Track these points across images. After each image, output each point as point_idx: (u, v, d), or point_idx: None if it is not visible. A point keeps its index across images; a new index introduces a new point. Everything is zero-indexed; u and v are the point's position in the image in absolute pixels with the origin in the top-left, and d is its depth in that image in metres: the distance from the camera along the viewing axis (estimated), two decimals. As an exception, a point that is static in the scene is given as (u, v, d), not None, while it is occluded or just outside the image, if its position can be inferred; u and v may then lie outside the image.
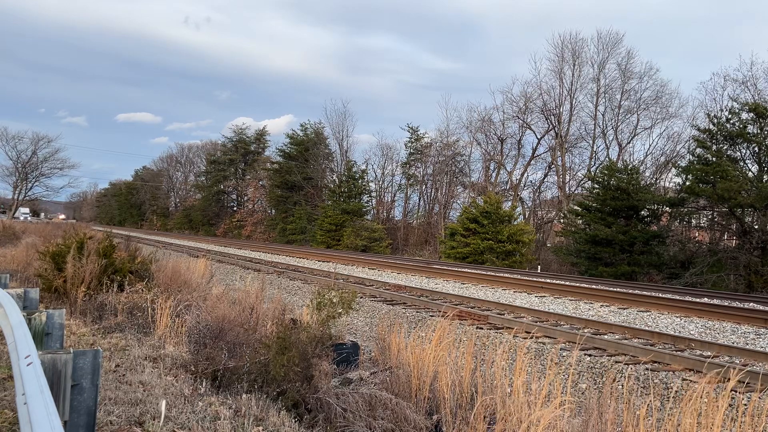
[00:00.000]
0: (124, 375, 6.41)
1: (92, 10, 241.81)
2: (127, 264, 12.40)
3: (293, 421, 5.42)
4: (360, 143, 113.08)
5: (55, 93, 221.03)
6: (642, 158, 37.85)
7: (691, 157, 27.18)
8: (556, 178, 41.60)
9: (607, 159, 37.31)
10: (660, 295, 16.46)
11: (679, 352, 9.15)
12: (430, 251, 40.88)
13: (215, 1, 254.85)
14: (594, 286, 18.53)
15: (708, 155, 25.02)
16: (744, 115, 24.59)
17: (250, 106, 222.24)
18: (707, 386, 4.63)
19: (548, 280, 20.34)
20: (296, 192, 54.09)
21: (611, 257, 27.12)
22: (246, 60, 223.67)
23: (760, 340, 10.78)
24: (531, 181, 44.59)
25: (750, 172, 24.55)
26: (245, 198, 70.34)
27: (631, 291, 17.58)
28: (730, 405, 6.57)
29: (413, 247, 43.96)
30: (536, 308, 13.61)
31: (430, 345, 6.37)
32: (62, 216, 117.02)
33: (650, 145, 42.84)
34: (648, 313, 13.68)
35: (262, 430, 5.05)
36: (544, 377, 5.22)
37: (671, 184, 34.62)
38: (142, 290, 10.95)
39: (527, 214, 43.16)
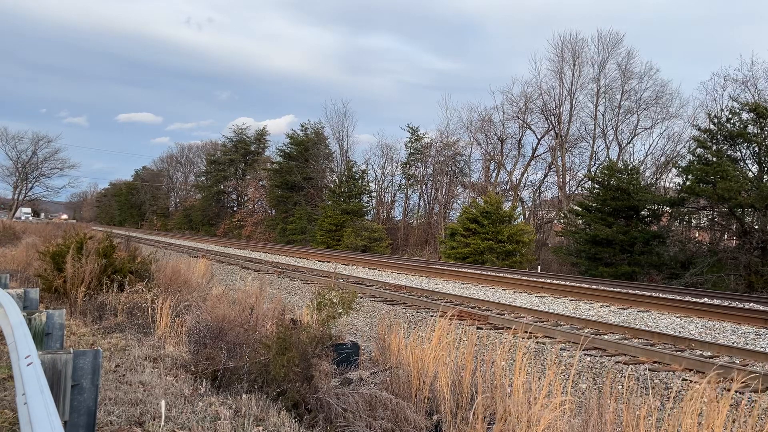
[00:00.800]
0: (124, 375, 6.41)
1: (92, 11, 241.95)
2: (127, 264, 12.40)
3: (293, 421, 5.42)
4: (360, 143, 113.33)
5: (56, 93, 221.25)
6: (642, 158, 37.90)
7: (691, 157, 27.18)
8: (556, 178, 41.62)
9: (607, 159, 37.32)
10: (660, 295, 16.46)
11: (679, 353, 9.15)
12: (430, 251, 40.88)
13: (216, 1, 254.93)
14: (594, 286, 18.53)
15: (708, 155, 25.02)
16: (744, 115, 24.60)
17: (250, 106, 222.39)
18: (708, 386, 4.63)
19: (548, 280, 20.34)
20: (296, 192, 54.10)
21: (611, 257, 27.12)
22: (246, 60, 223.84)
23: (760, 340, 10.78)
24: (531, 181, 44.65)
25: (750, 172, 24.55)
26: (245, 198, 70.34)
27: (631, 291, 17.58)
28: (730, 405, 6.57)
29: (413, 247, 43.96)
30: (536, 308, 13.61)
31: (430, 345, 6.37)
32: (65, 216, 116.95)
33: (650, 145, 42.94)
34: (648, 314, 13.68)
35: (262, 430, 5.05)
36: (544, 377, 5.22)
37: (671, 184, 34.66)
38: (142, 290, 10.95)
39: (527, 214, 43.16)
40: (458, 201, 47.24)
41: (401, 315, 12.79)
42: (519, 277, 21.42)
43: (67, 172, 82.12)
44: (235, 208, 71.50)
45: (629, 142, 39.07)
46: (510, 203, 40.21)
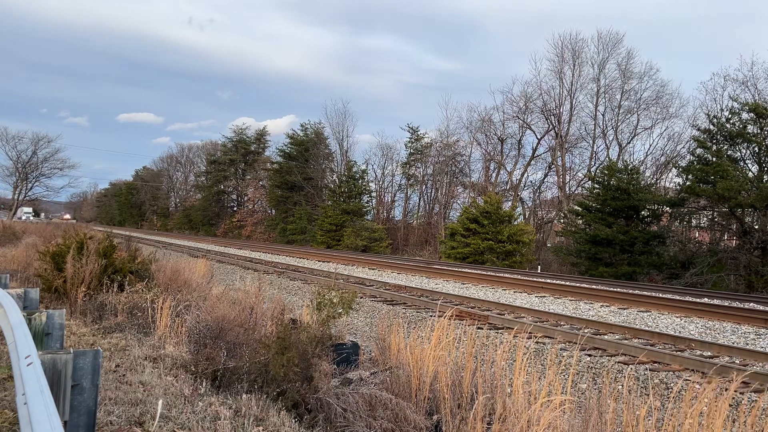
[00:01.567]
0: (124, 375, 6.41)
1: (93, 11, 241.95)
2: (127, 264, 12.40)
3: (293, 421, 5.42)
4: (360, 143, 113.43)
5: (57, 93, 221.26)
6: (642, 158, 37.93)
7: (691, 157, 27.19)
8: (556, 178, 41.63)
9: (607, 159, 37.32)
10: (660, 295, 16.46)
11: (679, 353, 9.15)
12: (430, 251, 40.88)
13: (216, 1, 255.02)
14: (594, 287, 18.53)
15: (708, 155, 25.02)
16: (744, 115, 24.61)
17: (251, 106, 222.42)
18: (708, 387, 4.63)
19: (548, 280, 20.34)
20: (296, 192, 54.10)
21: (611, 257, 27.12)
22: (247, 60, 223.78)
23: (760, 340, 10.78)
24: (531, 181, 44.67)
25: (750, 172, 24.55)
26: (245, 198, 70.35)
27: (631, 291, 17.58)
28: (730, 405, 6.57)
29: (413, 247, 43.97)
30: (536, 308, 13.61)
31: (430, 345, 6.37)
32: (67, 216, 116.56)
33: (650, 145, 42.91)
34: (648, 314, 13.68)
35: (262, 430, 5.05)
36: (544, 377, 5.22)
37: (671, 184, 34.66)
38: (142, 290, 10.95)
39: (527, 214, 43.17)
40: (458, 201, 47.29)
41: (401, 315, 12.79)
42: (519, 277, 21.41)
43: (67, 172, 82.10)
44: (235, 208, 71.50)
45: (629, 142, 39.13)
46: (510, 203, 40.23)
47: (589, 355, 9.20)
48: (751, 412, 4.47)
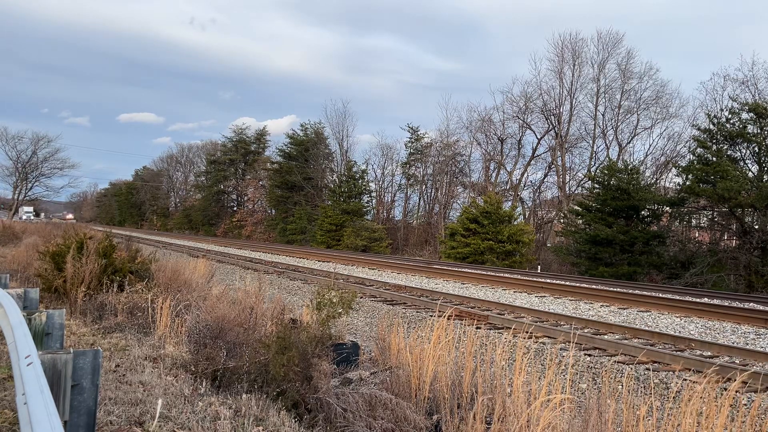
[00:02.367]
0: (124, 375, 6.41)
1: (93, 11, 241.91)
2: (127, 264, 12.40)
3: (293, 421, 5.42)
4: (360, 143, 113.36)
5: (58, 93, 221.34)
6: (642, 158, 37.92)
7: (691, 156, 27.18)
8: (556, 178, 41.63)
9: (607, 159, 37.32)
10: (660, 295, 16.46)
11: (679, 352, 9.15)
12: (430, 251, 40.88)
13: (217, 1, 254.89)
14: (594, 286, 18.53)
15: (708, 155, 25.02)
16: (744, 115, 24.61)
17: (252, 106, 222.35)
18: (707, 386, 4.63)
19: (548, 280, 20.34)
20: (296, 192, 54.09)
21: (611, 257, 27.12)
22: (248, 60, 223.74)
23: (760, 340, 10.78)
24: (531, 181, 44.66)
25: (750, 172, 24.56)
26: (245, 198, 70.34)
27: (631, 291, 17.58)
28: (730, 405, 6.57)
29: (413, 247, 43.97)
30: (536, 308, 13.61)
31: (430, 345, 6.37)
32: (70, 216, 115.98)
33: (650, 145, 42.90)
34: (648, 313, 13.68)
35: (262, 430, 5.05)
36: (544, 377, 5.22)
37: (671, 184, 34.65)
38: (142, 290, 10.95)
39: (527, 214, 43.17)
40: (458, 201, 47.29)
41: (401, 315, 12.78)
42: (519, 277, 21.42)
43: (67, 172, 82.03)
44: (235, 208, 71.49)
45: (629, 142, 39.14)
46: (510, 203, 40.23)
47: (589, 355, 9.21)
48: (750, 411, 4.47)
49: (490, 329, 11.16)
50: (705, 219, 29.63)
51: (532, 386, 5.28)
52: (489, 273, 22.77)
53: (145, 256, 14.41)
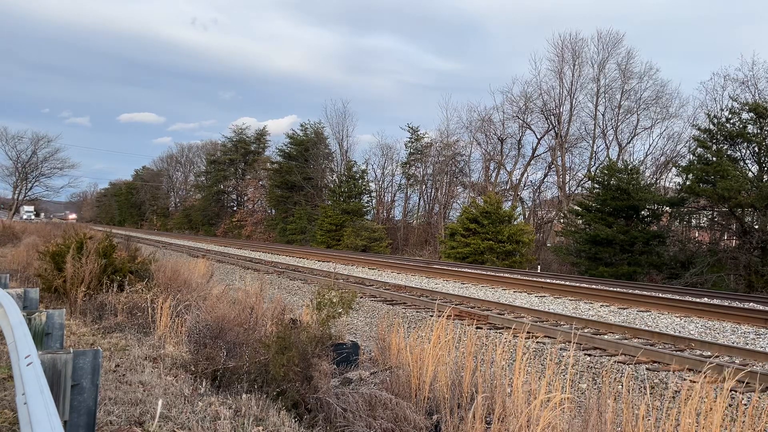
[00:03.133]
0: (124, 375, 6.41)
1: (95, 11, 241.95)
2: (127, 264, 12.40)
3: (293, 421, 5.42)
4: (360, 143, 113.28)
5: (59, 94, 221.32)
6: (642, 158, 37.92)
7: (691, 156, 27.17)
8: (556, 178, 41.63)
9: (607, 159, 37.31)
10: (660, 295, 16.46)
11: (679, 352, 9.15)
12: (430, 251, 40.88)
13: (218, 1, 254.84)
14: (594, 286, 18.53)
15: (708, 155, 25.01)
16: (744, 115, 24.60)
17: (253, 106, 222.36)
18: (707, 386, 4.63)
19: (548, 280, 20.34)
20: (296, 192, 54.09)
21: (611, 257, 27.12)
22: (249, 60, 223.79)
23: (760, 340, 10.78)
24: (531, 181, 44.65)
25: (750, 172, 24.55)
26: (245, 198, 70.32)
27: (631, 291, 17.58)
28: (729, 405, 6.57)
29: (413, 247, 43.96)
30: (536, 308, 13.61)
31: (429, 345, 6.37)
32: (73, 216, 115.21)
33: (650, 145, 42.90)
34: (648, 313, 13.68)
35: (262, 430, 5.05)
36: (544, 377, 5.22)
37: (671, 184, 34.66)
38: (142, 290, 10.94)
39: (527, 214, 43.16)
40: (458, 201, 47.28)
41: (401, 315, 12.79)
42: (519, 277, 21.42)
43: (67, 171, 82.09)
44: (234, 208, 71.47)
45: (629, 142, 39.13)
46: (510, 203, 40.22)
47: (589, 355, 9.21)
48: (747, 410, 4.48)
49: (490, 329, 11.16)
50: (705, 219, 29.63)
51: (532, 386, 5.28)
52: (489, 273, 22.77)
53: (145, 256, 14.41)
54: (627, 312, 13.88)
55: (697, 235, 30.03)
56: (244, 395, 5.77)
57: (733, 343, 10.42)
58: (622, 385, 7.57)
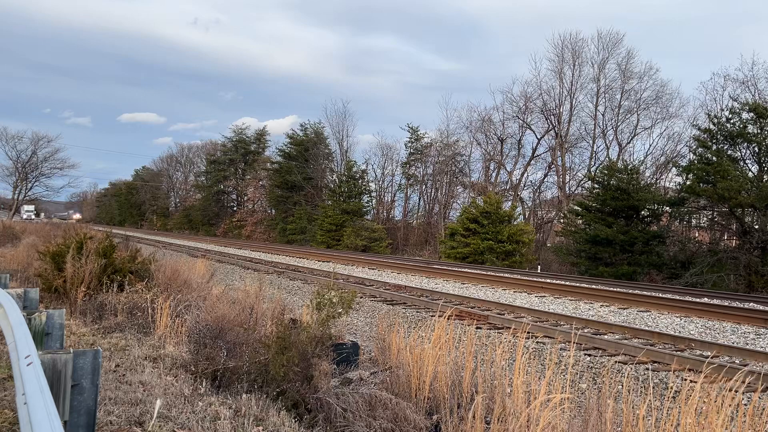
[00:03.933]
0: (124, 375, 6.41)
1: (95, 11, 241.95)
2: (127, 264, 12.39)
3: (293, 421, 5.42)
4: (360, 143, 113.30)
5: (60, 94, 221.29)
6: (642, 158, 37.89)
7: (691, 156, 27.18)
8: (556, 178, 41.63)
9: (607, 159, 37.32)
10: (660, 295, 16.46)
11: (679, 352, 9.15)
12: (430, 251, 40.87)
13: (219, 1, 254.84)
14: (594, 286, 18.53)
15: (708, 155, 25.01)
16: (744, 115, 24.60)
17: (254, 106, 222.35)
18: (707, 385, 4.63)
19: (548, 280, 20.34)
20: (296, 192, 54.07)
21: (611, 257, 27.12)
22: (250, 60, 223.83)
23: (760, 340, 10.78)
24: (531, 181, 44.64)
25: (750, 172, 24.55)
26: (245, 198, 70.30)
27: (631, 291, 17.58)
28: (729, 405, 6.56)
29: (413, 247, 43.96)
30: (536, 308, 13.61)
31: (430, 345, 6.37)
32: (77, 215, 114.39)
33: (650, 145, 42.94)
34: (648, 313, 13.68)
35: (262, 430, 5.05)
36: (544, 377, 5.22)
37: (671, 184, 34.65)
38: (142, 290, 10.94)
39: (527, 214, 43.15)
40: (458, 201, 47.27)
41: (401, 315, 12.79)
42: (519, 277, 21.42)
43: (67, 171, 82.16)
44: (234, 208, 71.45)
45: (629, 142, 39.11)
46: (510, 203, 40.20)
47: (589, 355, 9.21)
48: (748, 410, 4.47)
49: (490, 329, 11.16)
50: (705, 219, 29.63)
51: (532, 386, 5.28)
52: (489, 273, 22.76)
53: (144, 256, 14.41)
54: (627, 312, 13.88)
55: (697, 235, 30.03)
56: (244, 395, 5.77)
57: (733, 343, 10.42)
58: (622, 385, 7.57)
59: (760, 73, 30.28)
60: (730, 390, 4.45)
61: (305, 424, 5.49)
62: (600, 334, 10.77)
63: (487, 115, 44.01)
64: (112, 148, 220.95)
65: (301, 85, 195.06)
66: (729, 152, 24.81)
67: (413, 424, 5.43)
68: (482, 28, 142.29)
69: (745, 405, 6.40)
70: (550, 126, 41.27)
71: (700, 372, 7.92)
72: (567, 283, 19.78)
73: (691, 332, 11.47)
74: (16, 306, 5.48)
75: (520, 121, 42.44)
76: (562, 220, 35.84)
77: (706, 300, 16.04)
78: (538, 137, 42.38)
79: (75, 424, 3.98)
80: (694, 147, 26.60)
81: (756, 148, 24.17)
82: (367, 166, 50.93)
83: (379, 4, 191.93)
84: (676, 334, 10.91)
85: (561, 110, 40.59)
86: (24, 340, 4.26)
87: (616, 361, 8.82)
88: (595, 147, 39.92)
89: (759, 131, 24.02)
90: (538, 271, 29.41)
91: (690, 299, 15.76)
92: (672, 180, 35.32)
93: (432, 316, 12.31)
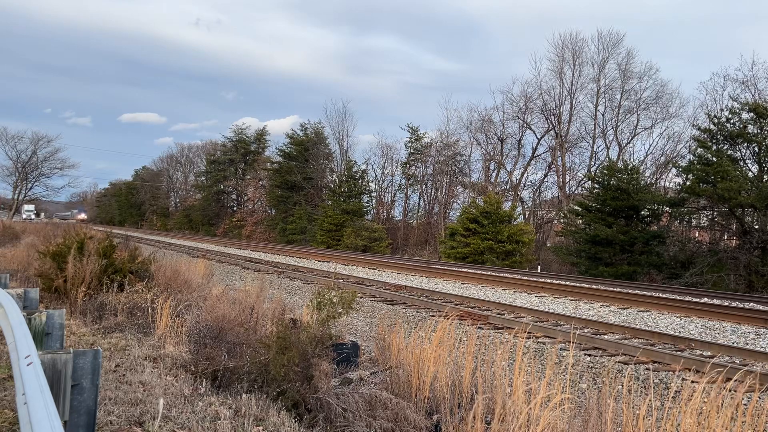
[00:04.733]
0: (124, 375, 6.41)
1: (96, 11, 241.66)
2: (127, 264, 12.39)
3: (293, 421, 5.42)
4: (360, 143, 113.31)
5: (61, 94, 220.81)
6: (642, 158, 37.92)
7: (691, 156, 27.18)
8: (556, 178, 41.64)
9: (607, 159, 37.32)
10: (660, 295, 16.46)
11: (679, 352, 9.15)
12: (430, 251, 40.88)
13: (220, 2, 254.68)
14: (594, 286, 18.52)
15: (708, 155, 25.01)
16: (744, 115, 24.60)
17: (255, 106, 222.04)
18: (707, 385, 4.64)
19: (548, 280, 20.34)
20: (296, 192, 54.08)
21: (611, 257, 27.12)
22: (251, 61, 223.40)
23: (760, 340, 10.78)
24: (531, 181, 44.64)
25: (750, 172, 24.56)
26: (245, 198, 70.31)
27: (631, 291, 17.58)
28: (728, 404, 6.57)
29: (413, 247, 43.96)
30: (536, 308, 13.61)
31: (430, 345, 6.37)
32: (82, 215, 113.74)
33: (650, 145, 42.94)
34: (648, 313, 13.68)
35: (262, 430, 5.05)
36: (544, 377, 5.22)
37: (671, 184, 34.67)
38: (142, 290, 10.94)
39: (527, 214, 43.15)
40: (458, 201, 47.27)
41: (401, 315, 12.79)
42: (519, 277, 21.41)
43: (68, 171, 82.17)
44: (235, 208, 71.46)
45: (629, 142, 39.12)
46: (510, 203, 40.21)
47: (589, 355, 9.21)
48: (748, 410, 4.47)
49: (490, 329, 11.16)
50: (705, 219, 29.64)
51: (532, 386, 5.28)
52: (489, 273, 22.76)
53: (145, 256, 14.41)
54: (627, 312, 13.88)
55: (697, 235, 30.03)
56: (244, 395, 5.77)
57: (733, 343, 10.42)
58: (622, 385, 7.57)
59: (760, 73, 30.33)
60: (730, 390, 4.45)
61: (305, 424, 5.49)
62: (600, 334, 10.76)
63: (487, 115, 44.05)
64: (112, 148, 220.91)
65: (301, 85, 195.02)
66: (729, 152, 24.81)
67: (413, 424, 5.43)
68: (482, 28, 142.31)
69: (745, 405, 6.40)
70: (550, 126, 41.29)
71: (700, 372, 7.94)
72: (567, 283, 19.78)
73: (691, 332, 11.47)
74: (16, 306, 5.48)
75: (520, 121, 42.48)
76: (562, 220, 35.84)
77: (706, 300, 16.04)
78: (538, 137, 42.43)
79: (75, 424, 3.98)
80: (694, 147, 26.61)
81: (756, 148, 24.18)
82: (367, 166, 51.01)
83: (379, 4, 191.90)
84: (676, 334, 10.91)
85: (561, 110, 40.64)
86: (24, 340, 4.26)
87: (616, 361, 8.81)
88: (595, 147, 39.97)
89: (759, 131, 24.02)
90: (538, 271, 29.41)
91: (690, 299, 15.76)
92: (672, 180, 35.37)
93: (432, 316, 12.31)
